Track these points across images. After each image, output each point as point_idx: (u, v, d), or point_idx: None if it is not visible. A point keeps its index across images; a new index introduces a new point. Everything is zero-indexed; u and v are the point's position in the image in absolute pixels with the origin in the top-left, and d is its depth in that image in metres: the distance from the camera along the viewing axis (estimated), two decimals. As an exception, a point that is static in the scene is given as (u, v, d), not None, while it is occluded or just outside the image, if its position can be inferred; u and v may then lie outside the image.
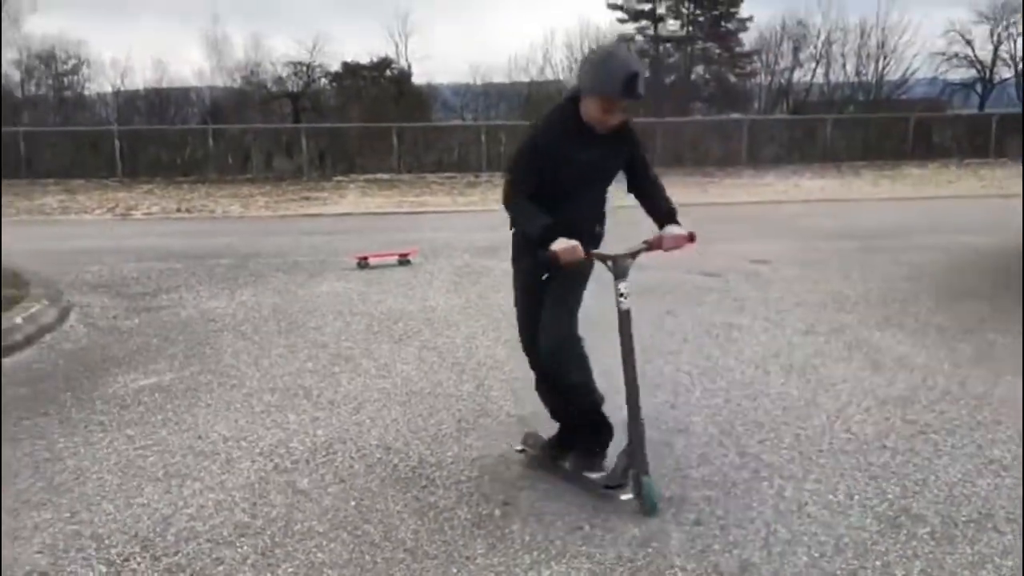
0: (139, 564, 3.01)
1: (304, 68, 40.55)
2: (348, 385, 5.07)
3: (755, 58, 41.39)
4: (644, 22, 41.98)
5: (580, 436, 3.62)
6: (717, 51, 41.74)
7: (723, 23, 41.43)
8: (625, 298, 3.38)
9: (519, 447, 3.93)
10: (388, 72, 42.13)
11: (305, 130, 26.71)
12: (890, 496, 3.45)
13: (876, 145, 26.81)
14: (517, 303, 3.65)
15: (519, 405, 4.61)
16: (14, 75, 39.27)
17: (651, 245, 3.47)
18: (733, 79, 42.08)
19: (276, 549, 3.10)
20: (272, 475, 3.76)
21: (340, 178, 23.92)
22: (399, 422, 4.42)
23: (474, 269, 9.15)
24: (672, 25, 42.23)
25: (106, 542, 3.16)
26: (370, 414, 4.54)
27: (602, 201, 3.57)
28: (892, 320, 6.51)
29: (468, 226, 13.66)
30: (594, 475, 3.52)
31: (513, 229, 3.53)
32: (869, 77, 38.94)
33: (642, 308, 7.07)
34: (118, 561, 3.03)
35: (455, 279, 8.58)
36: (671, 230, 3.46)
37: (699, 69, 42.38)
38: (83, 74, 40.41)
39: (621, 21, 41.75)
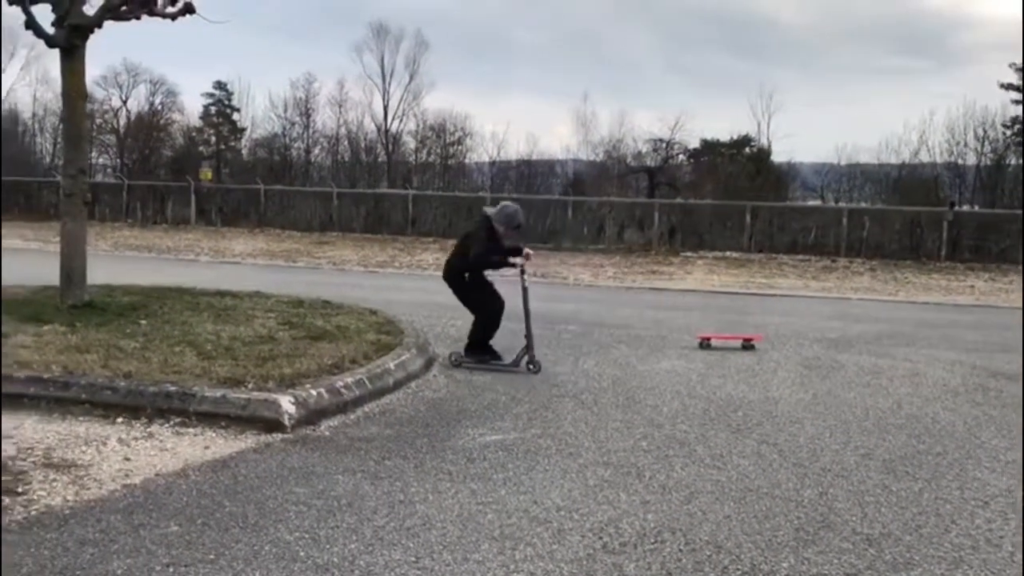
0: (469, 621, 3.13)
1: (664, 144, 41.71)
2: (681, 471, 4.95)
3: None
4: (1045, 103, 37.50)
5: (486, 345, 7.78)
6: None
7: None
8: (526, 282, 7.86)
9: (454, 359, 7.77)
10: (747, 149, 41.90)
11: (659, 205, 27.28)
12: None
13: None
14: (472, 295, 7.99)
15: (868, 522, 4.19)
16: (409, 143, 44.88)
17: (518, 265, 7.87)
18: None
19: (597, 634, 3.07)
20: (600, 554, 3.75)
21: (688, 254, 24.01)
22: (732, 520, 4.21)
23: (824, 362, 8.60)
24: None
25: (443, 592, 3.34)
26: (702, 506, 4.39)
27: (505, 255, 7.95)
28: None
29: (820, 313, 12.97)
30: (500, 362, 7.66)
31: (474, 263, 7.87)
32: None
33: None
34: (451, 614, 3.18)
35: (803, 371, 8.13)
36: (526, 255, 7.89)
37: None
38: (466, 145, 45.21)
39: (1016, 102, 37.68)
